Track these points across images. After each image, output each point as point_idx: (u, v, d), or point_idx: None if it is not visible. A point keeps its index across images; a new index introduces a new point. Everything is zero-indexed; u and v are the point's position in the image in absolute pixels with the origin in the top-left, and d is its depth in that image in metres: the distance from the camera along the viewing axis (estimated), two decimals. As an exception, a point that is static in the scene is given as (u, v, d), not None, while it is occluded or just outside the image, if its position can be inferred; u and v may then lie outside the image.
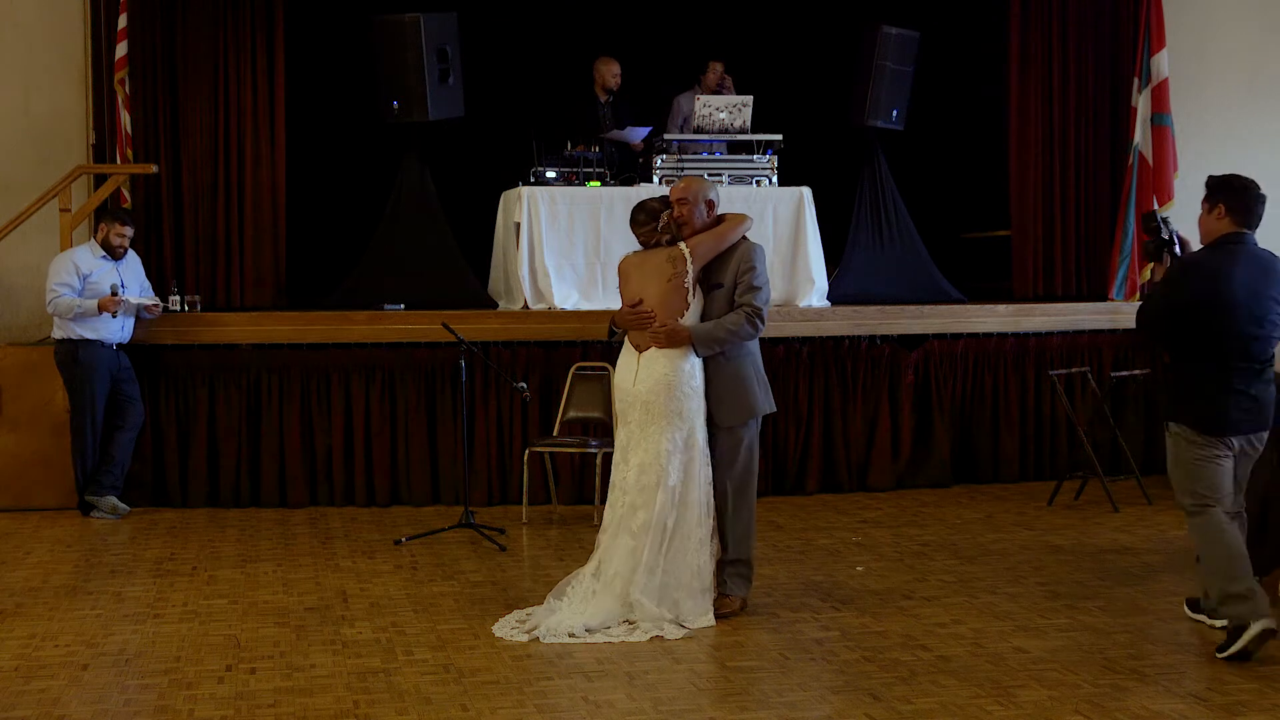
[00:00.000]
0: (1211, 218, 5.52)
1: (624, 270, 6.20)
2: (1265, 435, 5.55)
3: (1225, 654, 5.32)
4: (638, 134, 10.16)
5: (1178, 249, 5.88)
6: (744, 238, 6.14)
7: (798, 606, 6.27)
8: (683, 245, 6.01)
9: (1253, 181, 5.54)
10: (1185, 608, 6.02)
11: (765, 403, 6.12)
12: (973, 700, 4.95)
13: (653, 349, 5.97)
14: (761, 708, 4.89)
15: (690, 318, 5.98)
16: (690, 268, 5.97)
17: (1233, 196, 5.48)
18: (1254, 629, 5.26)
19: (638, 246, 6.21)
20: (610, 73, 10.47)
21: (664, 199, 6.14)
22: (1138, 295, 10.19)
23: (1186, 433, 5.52)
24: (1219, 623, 5.57)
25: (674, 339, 5.94)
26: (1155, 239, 5.90)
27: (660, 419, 5.90)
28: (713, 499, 5.99)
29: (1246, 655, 5.29)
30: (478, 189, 10.30)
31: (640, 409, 5.94)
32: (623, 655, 5.50)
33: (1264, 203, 5.54)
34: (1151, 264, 6.05)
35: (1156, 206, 10.11)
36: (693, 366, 5.96)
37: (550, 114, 10.34)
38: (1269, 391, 5.49)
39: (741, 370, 6.05)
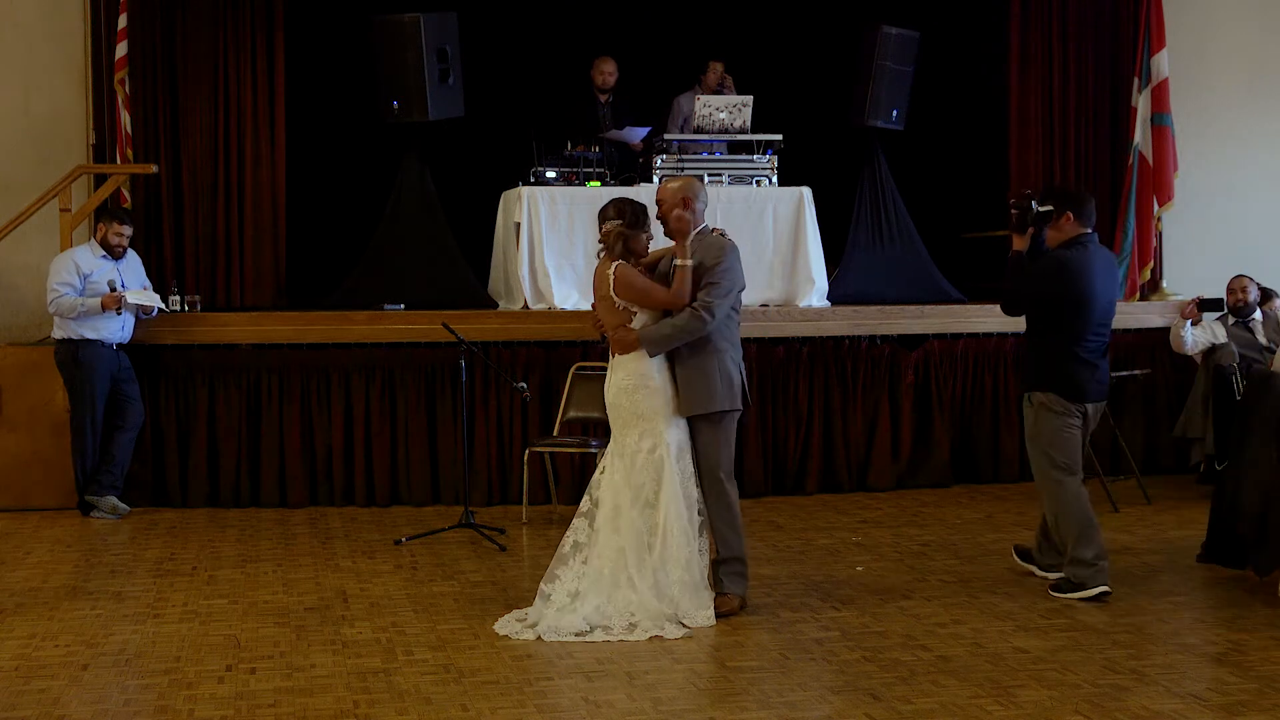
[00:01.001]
0: (1061, 223, 6.39)
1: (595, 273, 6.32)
2: (1104, 405, 6.56)
3: (1056, 594, 6.33)
4: (637, 134, 10.15)
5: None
6: (721, 234, 6.23)
7: (798, 606, 6.27)
8: (612, 269, 6.04)
9: (1085, 189, 6.68)
10: (1014, 555, 6.88)
11: (725, 399, 6.08)
12: (973, 700, 4.95)
13: (619, 355, 6.11)
14: (761, 708, 4.89)
15: (639, 321, 6.06)
16: (613, 294, 6.04)
17: (1076, 204, 6.43)
18: (1090, 591, 6.25)
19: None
20: (604, 71, 10.46)
21: (620, 206, 6.12)
22: (1137, 295, 10.21)
23: (1053, 401, 6.34)
24: (1052, 575, 6.51)
25: (624, 344, 6.05)
26: (1024, 213, 6.49)
27: (627, 420, 6.04)
28: (695, 493, 6.03)
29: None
30: (478, 189, 10.29)
31: (612, 413, 6.12)
32: (623, 655, 5.50)
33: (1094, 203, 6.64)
34: (1019, 235, 6.58)
35: (1157, 207, 10.14)
36: (649, 367, 6.04)
37: (550, 114, 10.33)
38: (1106, 369, 6.48)
39: (703, 365, 6.06)
